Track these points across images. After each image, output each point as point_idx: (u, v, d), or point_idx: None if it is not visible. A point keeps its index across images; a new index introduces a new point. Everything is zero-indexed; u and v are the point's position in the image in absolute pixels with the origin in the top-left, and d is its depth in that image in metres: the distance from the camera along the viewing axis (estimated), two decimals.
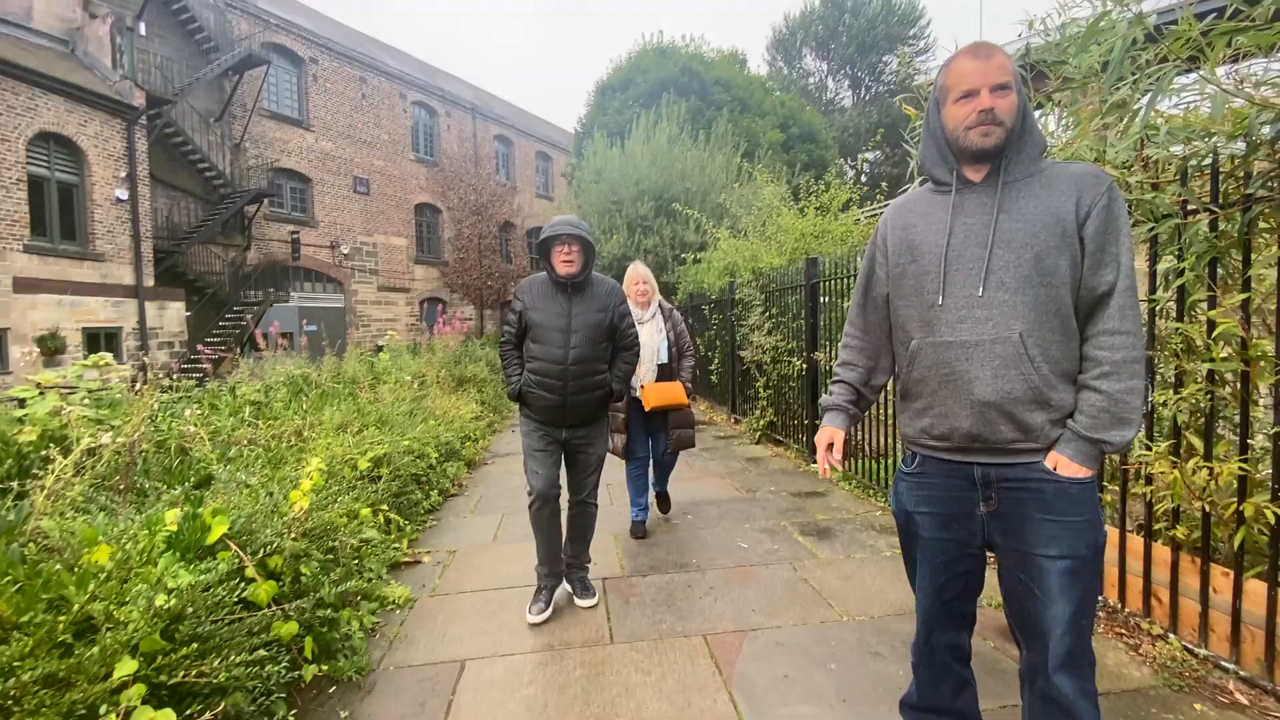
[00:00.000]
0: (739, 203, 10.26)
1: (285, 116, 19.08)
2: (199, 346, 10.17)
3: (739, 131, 18.42)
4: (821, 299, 5.24)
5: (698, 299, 9.64)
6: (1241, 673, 2.04)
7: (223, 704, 1.61)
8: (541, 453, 2.73)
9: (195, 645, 1.63)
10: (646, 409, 3.59)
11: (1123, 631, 2.40)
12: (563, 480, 2.78)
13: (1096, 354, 1.35)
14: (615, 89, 19.75)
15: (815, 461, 5.07)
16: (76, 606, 1.61)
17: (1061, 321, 1.36)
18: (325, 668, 2.21)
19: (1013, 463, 1.40)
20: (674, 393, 3.61)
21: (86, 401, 3.36)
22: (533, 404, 2.71)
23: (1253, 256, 1.97)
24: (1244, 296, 1.97)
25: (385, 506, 3.62)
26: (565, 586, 2.93)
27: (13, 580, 1.64)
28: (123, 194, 13.31)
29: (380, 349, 9.03)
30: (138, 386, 3.58)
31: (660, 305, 3.82)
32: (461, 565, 3.38)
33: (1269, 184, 1.91)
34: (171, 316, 14.36)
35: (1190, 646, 2.20)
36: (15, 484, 2.61)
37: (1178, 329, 2.18)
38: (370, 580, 2.84)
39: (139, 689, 1.46)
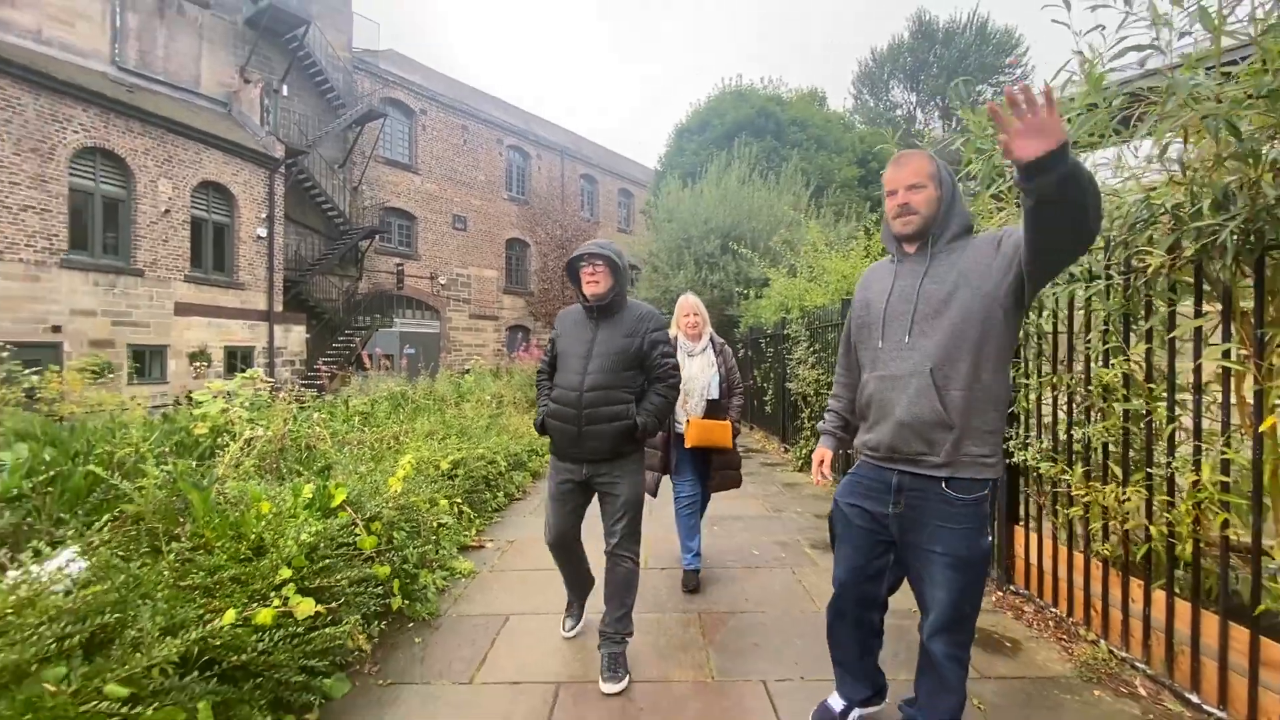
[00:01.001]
0: (802, 240, 10.71)
1: (397, 162, 21.38)
2: (318, 364, 11.69)
3: (813, 169, 18.82)
4: None
5: (756, 333, 10.14)
6: (1148, 670, 2.36)
7: (339, 605, 2.36)
8: (557, 501, 2.61)
9: (324, 565, 2.40)
10: (687, 445, 3.40)
11: (1064, 637, 2.73)
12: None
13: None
14: (692, 131, 20.71)
15: None
16: (253, 535, 2.41)
17: (974, 360, 1.66)
18: (406, 606, 2.95)
19: (918, 473, 1.75)
20: (719, 434, 3.39)
21: (244, 406, 4.38)
22: (552, 434, 2.59)
23: (1148, 318, 2.35)
24: (1144, 348, 2.36)
25: (459, 500, 4.40)
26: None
27: (213, 517, 2.47)
28: (262, 232, 15.51)
29: (467, 372, 10.11)
30: (281, 396, 4.59)
31: (712, 339, 3.61)
32: (517, 552, 4.08)
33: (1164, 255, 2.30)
34: (294, 338, 16.38)
35: (1115, 650, 2.52)
36: (194, 461, 3.57)
37: (1095, 375, 2.57)
38: (443, 554, 3.59)
39: (291, 587, 2.22)
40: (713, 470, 3.52)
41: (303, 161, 17.11)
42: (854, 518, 1.93)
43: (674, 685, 2.42)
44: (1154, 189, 2.25)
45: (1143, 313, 2.38)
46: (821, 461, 2.12)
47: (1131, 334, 2.45)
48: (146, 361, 13.01)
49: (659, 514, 4.33)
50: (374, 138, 19.92)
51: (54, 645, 1.57)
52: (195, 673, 1.79)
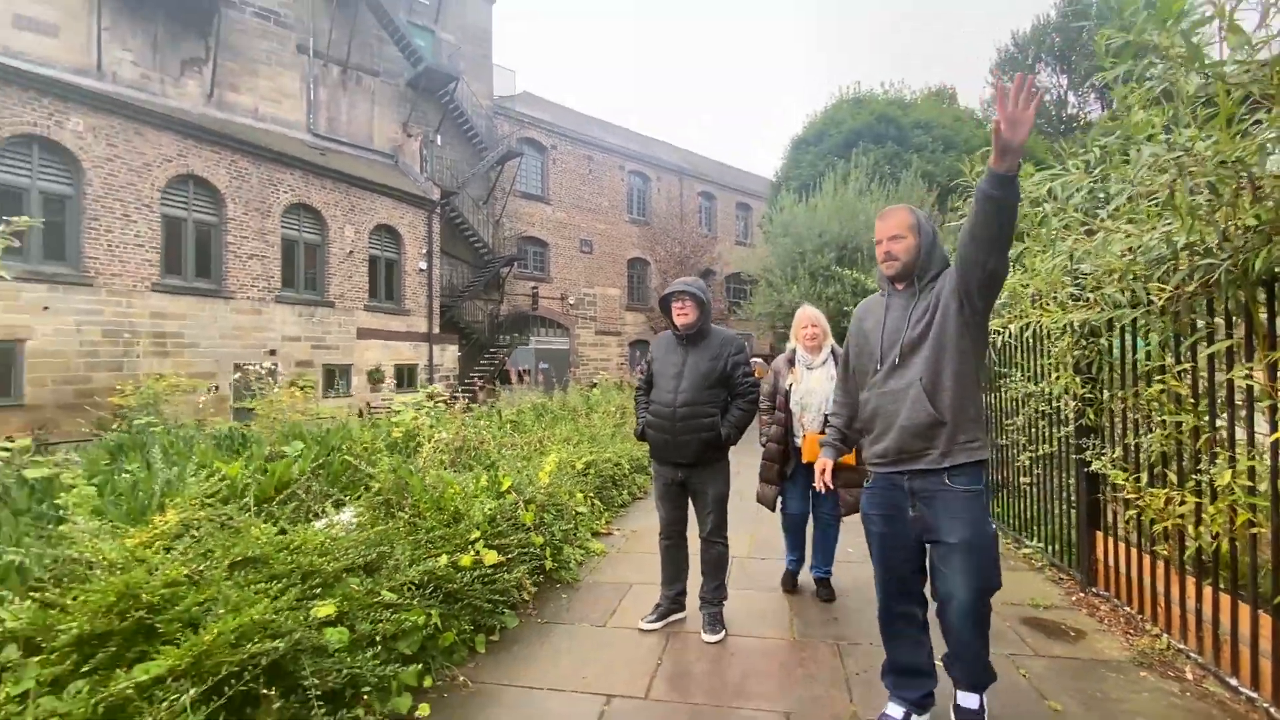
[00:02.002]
0: None
1: (531, 194, 23.49)
2: (476, 378, 13.39)
3: (940, 171, 18.14)
4: None
5: None
6: (1199, 659, 2.58)
7: (511, 559, 3.23)
8: (663, 498, 3.16)
9: (499, 531, 3.29)
10: (804, 460, 3.39)
11: (1130, 631, 2.96)
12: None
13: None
14: (809, 143, 20.67)
15: None
16: (450, 507, 3.35)
17: (954, 374, 2.00)
18: (555, 570, 3.79)
19: (923, 469, 2.03)
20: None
21: (429, 415, 5.55)
22: (650, 442, 3.09)
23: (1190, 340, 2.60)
24: (1179, 367, 2.61)
25: (592, 494, 5.25)
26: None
27: (424, 494, 3.45)
28: (423, 265, 17.89)
29: (594, 385, 11.19)
30: (456, 408, 5.73)
31: (834, 351, 3.50)
32: (638, 539, 4.83)
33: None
34: (449, 356, 18.62)
35: (1174, 642, 2.74)
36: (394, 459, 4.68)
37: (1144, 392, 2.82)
38: (580, 535, 4.42)
39: (481, 543, 3.11)
40: (839, 488, 3.24)
41: (454, 201, 19.45)
42: (879, 525, 2.18)
43: (761, 640, 3.02)
44: (1171, 228, 2.53)
45: (1172, 336, 2.63)
46: (824, 470, 2.42)
47: (1167, 354, 2.70)
48: (335, 378, 15.55)
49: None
50: (512, 174, 22.10)
51: (352, 563, 2.53)
52: (426, 593, 2.69)
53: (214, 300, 13.01)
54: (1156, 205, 2.44)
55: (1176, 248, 2.36)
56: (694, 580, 3.25)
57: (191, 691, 1.73)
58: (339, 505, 3.14)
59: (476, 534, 3.13)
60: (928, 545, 2.10)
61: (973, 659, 2.09)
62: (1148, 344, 2.91)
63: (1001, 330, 4.42)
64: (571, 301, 24.69)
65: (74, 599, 1.88)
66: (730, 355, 3.00)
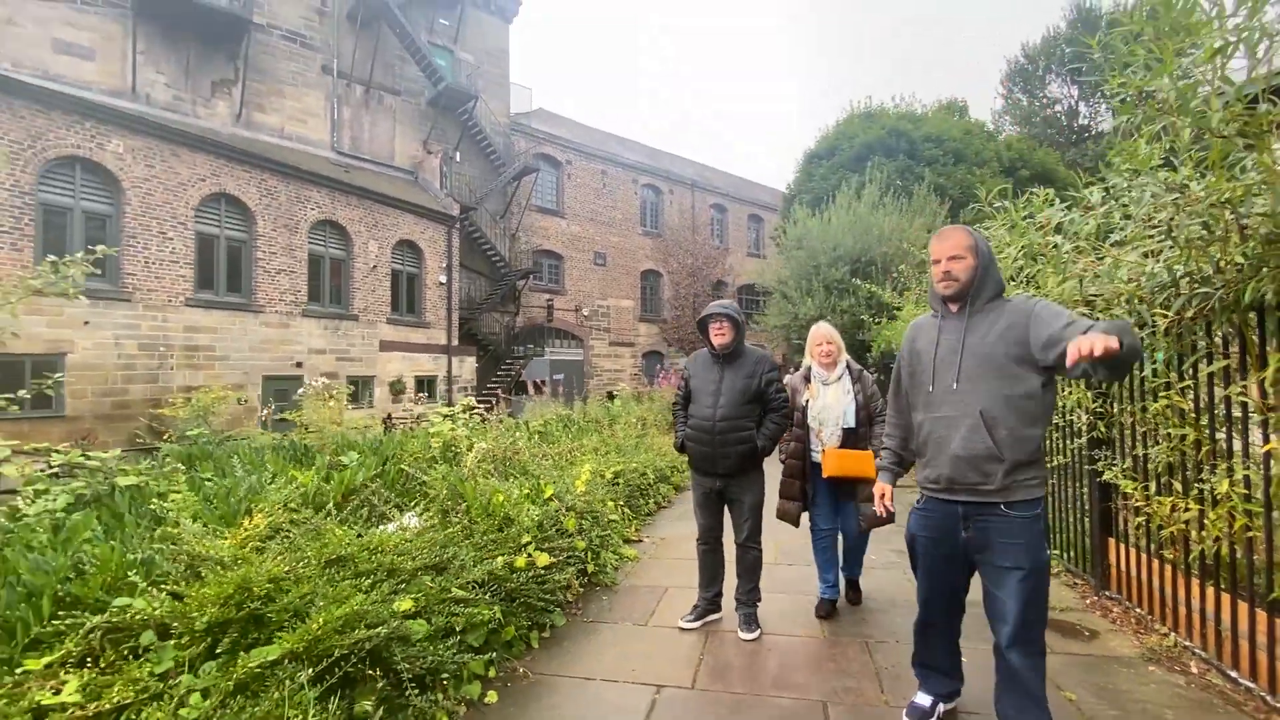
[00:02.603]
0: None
1: (547, 209, 23.91)
2: (499, 392, 13.69)
3: (951, 183, 18.33)
4: None
5: (887, 357, 10.43)
6: (1203, 655, 2.77)
7: (559, 561, 3.48)
8: (701, 507, 3.39)
9: (546, 535, 3.53)
10: (824, 475, 3.42)
11: (1140, 631, 3.16)
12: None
13: (1072, 333, 1.77)
14: (821, 156, 20.95)
15: None
16: (500, 513, 3.61)
17: (1013, 404, 1.95)
18: (595, 574, 4.02)
19: (979, 500, 2.03)
20: (860, 463, 3.32)
21: (465, 426, 5.82)
22: (691, 453, 3.32)
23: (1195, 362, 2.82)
24: (1186, 384, 2.83)
25: (621, 503, 5.49)
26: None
27: (475, 500, 3.70)
28: (443, 279, 18.28)
29: (611, 395, 11.45)
30: (492, 420, 6.01)
31: (849, 366, 3.61)
32: (667, 546, 5.05)
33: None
34: (467, 367, 18.96)
35: (1180, 640, 2.93)
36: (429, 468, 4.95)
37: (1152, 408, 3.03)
38: (614, 542, 4.66)
39: (532, 545, 3.36)
40: (859, 502, 3.43)
41: (472, 216, 19.87)
42: (929, 547, 2.21)
43: (794, 638, 3.24)
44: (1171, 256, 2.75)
45: (1175, 355, 2.85)
46: (883, 495, 2.42)
47: (1171, 372, 2.92)
48: (359, 389, 15.91)
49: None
50: (528, 189, 22.53)
51: (425, 562, 2.78)
52: (488, 591, 2.94)
53: (244, 314, 13.42)
54: (1155, 238, 2.67)
55: (1176, 276, 2.59)
56: (728, 584, 3.48)
57: (309, 671, 1.99)
58: (400, 510, 3.40)
59: (528, 538, 3.38)
60: (979, 565, 2.10)
61: (1023, 695, 1.99)
62: (1154, 362, 3.13)
63: None
64: (586, 313, 25.03)
65: (198, 591, 2.15)
66: (764, 373, 3.23)
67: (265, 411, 11.84)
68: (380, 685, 2.13)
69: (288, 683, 1.95)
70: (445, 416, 6.16)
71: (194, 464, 4.30)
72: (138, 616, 2.05)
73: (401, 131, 19.91)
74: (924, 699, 2.37)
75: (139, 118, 12.09)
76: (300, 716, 1.86)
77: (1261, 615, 2.43)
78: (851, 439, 3.46)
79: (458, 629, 2.59)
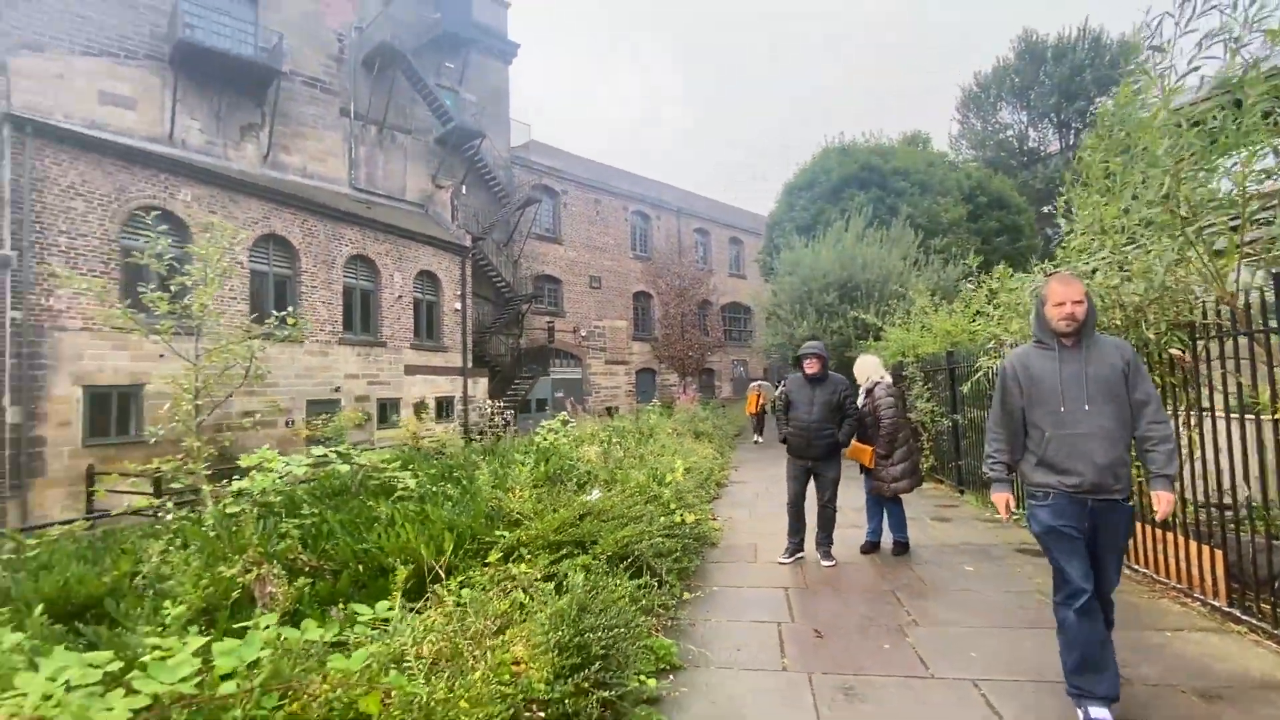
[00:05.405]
0: (914, 289, 12.50)
1: (546, 236, 25.40)
2: (502, 413, 14.99)
3: (919, 213, 20.36)
4: (959, 379, 7.72)
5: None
6: (1187, 589, 4.25)
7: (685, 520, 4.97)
8: (795, 476, 4.94)
9: (677, 501, 5.03)
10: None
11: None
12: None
13: (1149, 434, 2.51)
14: (801, 189, 22.86)
15: (962, 492, 7.45)
16: (644, 490, 5.07)
17: (1124, 422, 2.52)
18: (705, 534, 5.50)
19: (1109, 499, 2.51)
20: (857, 453, 5.05)
21: (567, 436, 7.24)
22: (791, 444, 4.91)
23: None
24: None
25: (692, 490, 6.96)
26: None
27: (626, 482, 5.15)
28: (458, 305, 19.56)
29: (610, 411, 12.86)
30: (590, 429, 7.43)
31: (873, 384, 5.16)
32: (735, 525, 6.52)
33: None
34: (481, 388, 20.19)
35: (1178, 587, 4.41)
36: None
37: None
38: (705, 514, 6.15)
39: (679, 511, 4.84)
40: (877, 478, 5.05)
41: (480, 246, 21.25)
42: (1069, 533, 2.54)
43: (859, 567, 4.77)
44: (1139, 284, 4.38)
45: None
46: (1006, 503, 2.79)
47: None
48: (387, 411, 17.04)
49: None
50: (530, 218, 24.01)
51: (632, 515, 4.24)
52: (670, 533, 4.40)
53: (290, 343, 14.51)
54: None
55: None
56: (807, 535, 5.02)
57: (621, 565, 3.45)
58: (582, 488, 4.83)
59: (675, 504, 4.86)
60: (1093, 547, 2.57)
61: (1110, 649, 2.52)
62: None
63: None
64: (583, 334, 26.47)
65: (541, 525, 3.59)
66: (842, 391, 4.86)
67: (302, 428, 13.00)
68: (646, 575, 3.59)
69: (604, 570, 3.40)
70: (550, 430, 7.57)
71: (451, 470, 5.62)
72: (513, 539, 3.48)
73: (412, 168, 21.23)
74: (1100, 712, 2.46)
75: (205, 169, 13.28)
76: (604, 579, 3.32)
77: (1194, 546, 3.98)
78: (864, 435, 5.10)
79: (663, 552, 4.06)
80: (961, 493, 7.58)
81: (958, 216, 21.66)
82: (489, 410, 13.45)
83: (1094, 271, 4.26)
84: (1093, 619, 2.50)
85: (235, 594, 2.75)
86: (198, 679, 1.52)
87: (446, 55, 22.50)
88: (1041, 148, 33.01)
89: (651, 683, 2.76)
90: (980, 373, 5.95)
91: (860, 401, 5.13)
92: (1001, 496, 2.78)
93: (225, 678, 1.63)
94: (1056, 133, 32.17)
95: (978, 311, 7.70)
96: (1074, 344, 2.61)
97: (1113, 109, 3.92)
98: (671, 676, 2.96)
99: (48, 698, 1.33)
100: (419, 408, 17.74)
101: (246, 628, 2.00)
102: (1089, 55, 29.71)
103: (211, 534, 3.38)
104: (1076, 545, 2.53)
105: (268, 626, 1.99)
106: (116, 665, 1.65)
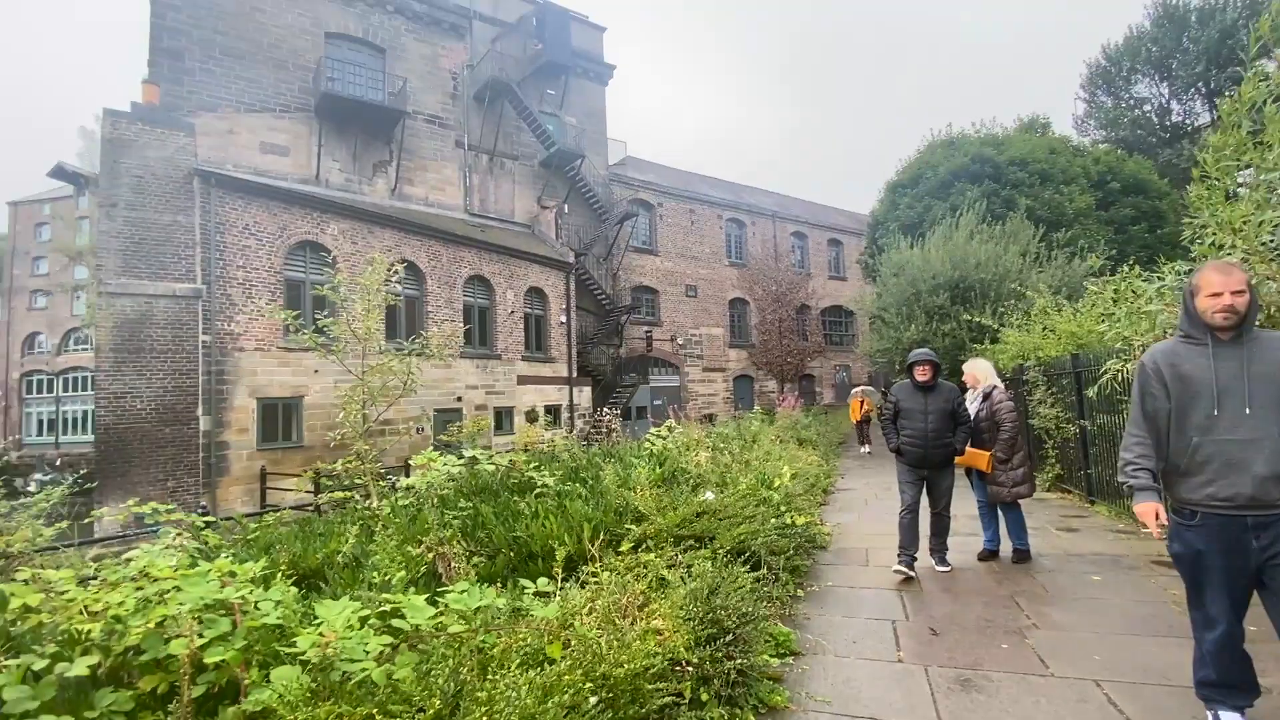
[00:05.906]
0: (1032, 287, 11.77)
1: (643, 248, 26.14)
2: (608, 420, 15.57)
3: (1041, 205, 19.00)
4: (1086, 383, 7.33)
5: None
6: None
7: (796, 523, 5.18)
8: (909, 484, 4.74)
9: (786, 504, 5.26)
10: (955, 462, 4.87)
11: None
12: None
13: None
14: (905, 186, 22.00)
15: (1092, 502, 7.07)
16: (754, 493, 5.34)
17: None
18: (816, 537, 5.67)
19: (1270, 515, 2.17)
20: (973, 458, 4.87)
21: (676, 443, 7.65)
22: (905, 454, 4.72)
23: None
24: None
25: (801, 494, 7.12)
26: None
27: (736, 485, 5.45)
28: (563, 318, 20.63)
29: (709, 418, 13.06)
30: (699, 438, 7.81)
31: (988, 389, 5.02)
32: (844, 530, 6.61)
33: None
34: (585, 396, 21.13)
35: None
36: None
37: None
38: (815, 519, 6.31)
39: (789, 513, 5.07)
40: (989, 484, 4.91)
41: (582, 261, 22.28)
42: (1216, 559, 2.27)
43: (976, 573, 4.77)
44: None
45: None
46: (1156, 515, 2.40)
47: None
48: (502, 418, 18.29)
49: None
50: (627, 232, 24.84)
51: (746, 515, 4.54)
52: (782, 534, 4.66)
53: (419, 358, 16.02)
54: None
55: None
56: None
57: (739, 560, 3.77)
58: (695, 489, 5.19)
59: (785, 507, 5.10)
60: (1261, 569, 2.23)
61: (1250, 667, 2.31)
62: None
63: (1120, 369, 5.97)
64: (680, 342, 26.92)
65: (666, 519, 3.98)
66: (955, 399, 4.77)
67: (424, 434, 14.27)
68: (763, 570, 3.88)
69: (724, 561, 3.73)
70: (659, 435, 8.00)
71: (577, 471, 6.27)
72: (640, 533, 3.90)
73: (519, 191, 22.66)
74: (1231, 716, 2.35)
75: (348, 205, 15.04)
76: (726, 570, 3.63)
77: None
78: (978, 440, 4.95)
79: (777, 550, 4.33)
80: (1092, 503, 7.18)
81: (1085, 206, 20.06)
82: (604, 417, 14.12)
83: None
84: (1232, 650, 2.31)
85: (424, 568, 3.36)
86: (437, 620, 2.02)
87: (548, 83, 23.84)
88: (1188, 121, 29.54)
89: (775, 661, 3.06)
90: (1107, 375, 5.70)
91: (974, 406, 5.03)
92: (1150, 506, 2.40)
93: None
94: (1206, 103, 28.70)
95: (1103, 314, 7.29)
96: (1232, 339, 2.29)
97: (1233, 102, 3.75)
98: (791, 660, 3.23)
99: (349, 625, 1.87)
100: (530, 415, 18.87)
101: (445, 591, 2.53)
102: (1243, 13, 26.27)
103: (398, 520, 4.07)
104: (1224, 576, 2.27)
105: (463, 591, 2.50)
106: (364, 612, 2.21)
